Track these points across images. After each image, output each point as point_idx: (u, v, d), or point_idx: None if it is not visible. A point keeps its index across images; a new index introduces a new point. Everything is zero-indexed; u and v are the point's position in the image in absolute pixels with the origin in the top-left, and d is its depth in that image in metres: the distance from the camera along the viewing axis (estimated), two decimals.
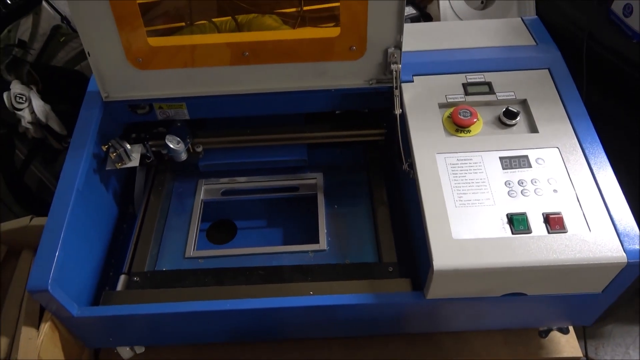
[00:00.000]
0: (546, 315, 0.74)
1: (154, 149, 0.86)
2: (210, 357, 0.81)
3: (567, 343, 0.80)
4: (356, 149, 0.94)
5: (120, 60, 0.76)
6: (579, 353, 0.79)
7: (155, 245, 0.82)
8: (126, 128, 0.87)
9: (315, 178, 0.89)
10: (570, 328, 0.80)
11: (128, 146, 0.81)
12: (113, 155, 0.80)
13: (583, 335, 1.16)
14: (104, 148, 0.80)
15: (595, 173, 0.67)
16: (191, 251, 0.81)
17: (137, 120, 0.85)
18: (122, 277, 0.77)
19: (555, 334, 0.80)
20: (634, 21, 0.92)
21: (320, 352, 0.81)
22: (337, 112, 0.87)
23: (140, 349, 0.82)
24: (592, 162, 0.68)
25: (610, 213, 0.64)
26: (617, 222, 0.63)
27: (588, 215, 0.64)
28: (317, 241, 0.80)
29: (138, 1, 0.71)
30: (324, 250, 0.79)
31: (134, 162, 0.82)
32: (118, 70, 0.77)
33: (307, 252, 0.79)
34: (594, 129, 0.72)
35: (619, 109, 0.94)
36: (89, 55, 0.75)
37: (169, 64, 0.77)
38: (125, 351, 0.80)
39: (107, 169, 0.80)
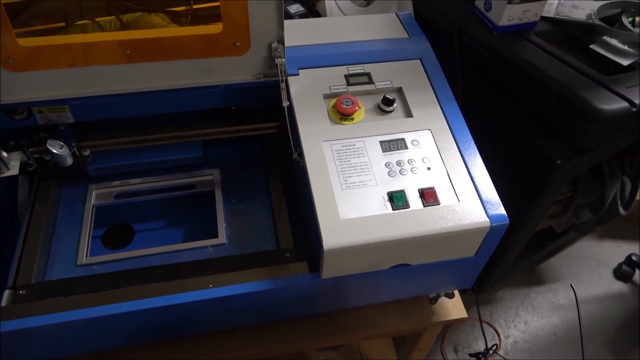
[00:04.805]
0: (431, 283, 0.82)
1: (35, 155, 0.82)
2: None
3: (454, 307, 0.89)
4: (252, 143, 0.95)
5: None
6: (464, 314, 0.87)
7: (43, 256, 0.77)
8: (4, 135, 0.82)
9: (212, 174, 0.90)
10: (456, 292, 0.88)
11: (5, 154, 0.76)
12: None
13: (476, 302, 1.28)
14: None
15: (462, 151, 0.75)
16: (84, 258, 0.78)
17: (16, 126, 0.80)
18: (7, 292, 0.72)
19: (444, 300, 0.88)
20: (493, 15, 1.03)
21: (226, 344, 0.82)
22: (232, 108, 0.88)
23: None
24: (459, 141, 0.76)
25: (475, 185, 0.71)
26: (481, 193, 0.71)
27: (457, 188, 0.71)
28: (216, 236, 0.81)
29: (4, 1, 0.68)
30: (223, 244, 0.80)
31: (13, 170, 0.77)
32: None
33: (206, 247, 0.80)
34: (460, 112, 0.80)
35: (486, 94, 1.05)
36: None
37: (45, 65, 0.73)
38: None
39: None
